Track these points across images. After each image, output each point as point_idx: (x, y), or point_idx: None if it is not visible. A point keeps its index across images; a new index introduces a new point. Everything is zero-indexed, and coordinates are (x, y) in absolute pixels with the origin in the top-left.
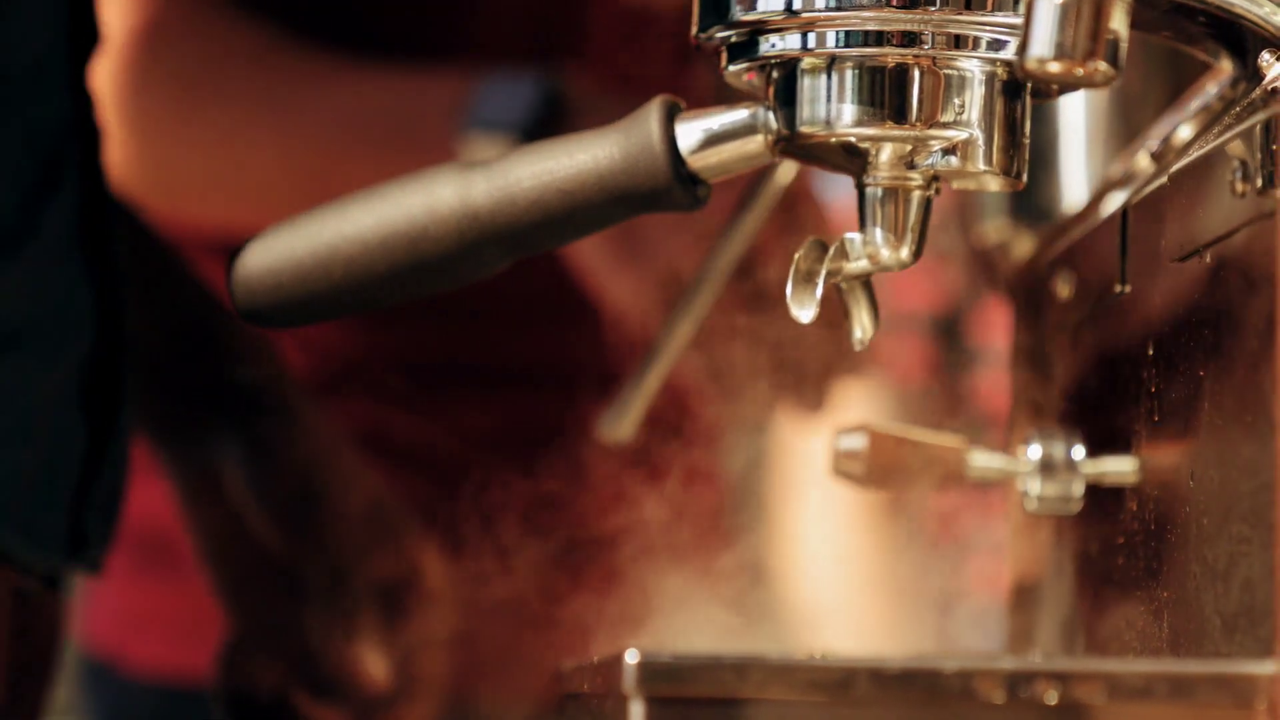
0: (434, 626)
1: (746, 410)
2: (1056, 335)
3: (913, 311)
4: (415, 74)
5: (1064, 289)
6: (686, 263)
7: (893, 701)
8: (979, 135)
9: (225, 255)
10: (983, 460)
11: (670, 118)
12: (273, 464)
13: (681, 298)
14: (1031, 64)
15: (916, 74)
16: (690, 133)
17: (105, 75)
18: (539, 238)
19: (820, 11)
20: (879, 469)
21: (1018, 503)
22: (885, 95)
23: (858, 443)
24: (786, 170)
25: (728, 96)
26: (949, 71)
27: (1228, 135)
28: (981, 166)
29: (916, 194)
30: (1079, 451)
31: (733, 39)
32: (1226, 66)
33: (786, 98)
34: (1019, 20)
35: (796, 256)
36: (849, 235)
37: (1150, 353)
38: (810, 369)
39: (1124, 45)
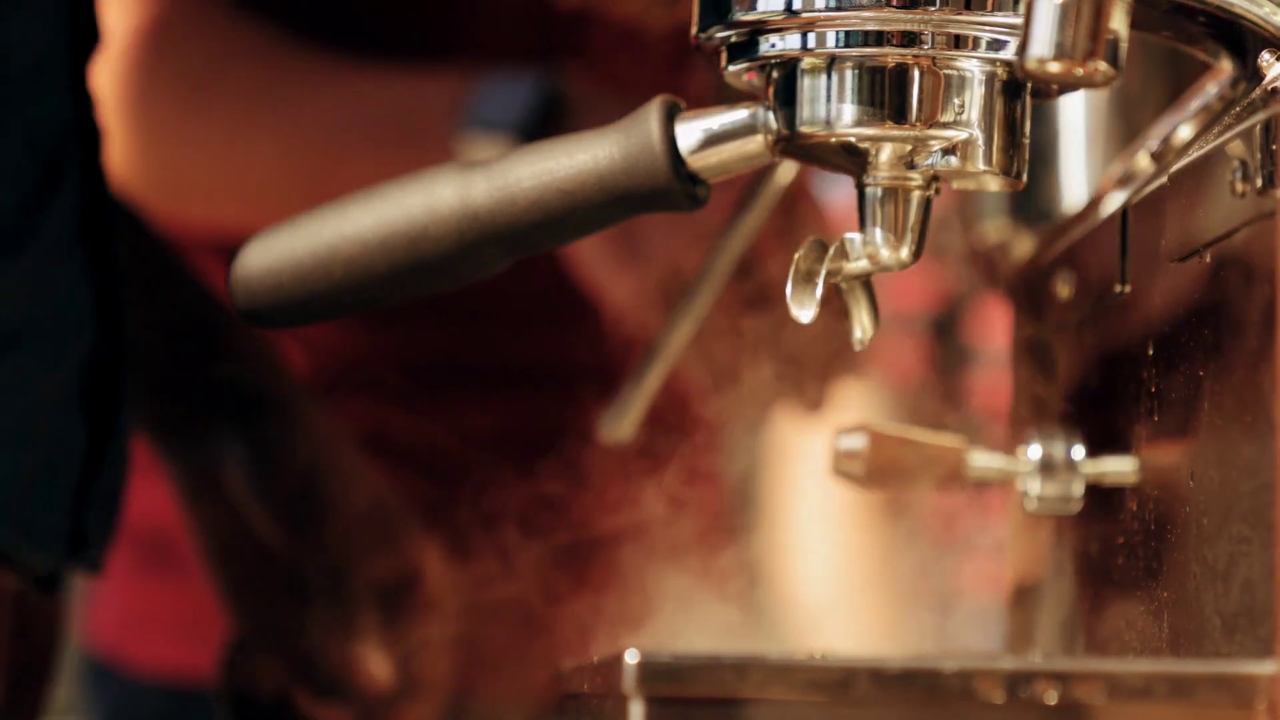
0: (435, 626)
1: (747, 410)
2: (1056, 335)
3: (908, 311)
4: (415, 74)
5: (1064, 289)
6: (686, 262)
7: (893, 701)
8: (979, 135)
9: (225, 255)
10: (983, 460)
11: (670, 118)
12: (273, 464)
13: (681, 298)
14: (1031, 64)
15: (916, 74)
16: (690, 133)
17: (107, 75)
18: (539, 238)
19: (820, 11)
20: (879, 469)
21: (1018, 503)
22: (885, 95)
23: (858, 443)
24: (786, 170)
25: (727, 97)
26: (949, 71)
27: (1228, 135)
28: (981, 166)
29: (916, 194)
30: (1079, 451)
31: (733, 39)
32: (1226, 66)
33: (786, 98)
34: (1019, 20)
35: (796, 256)
36: (849, 235)
37: (1150, 353)
38: (811, 368)
39: (1124, 45)
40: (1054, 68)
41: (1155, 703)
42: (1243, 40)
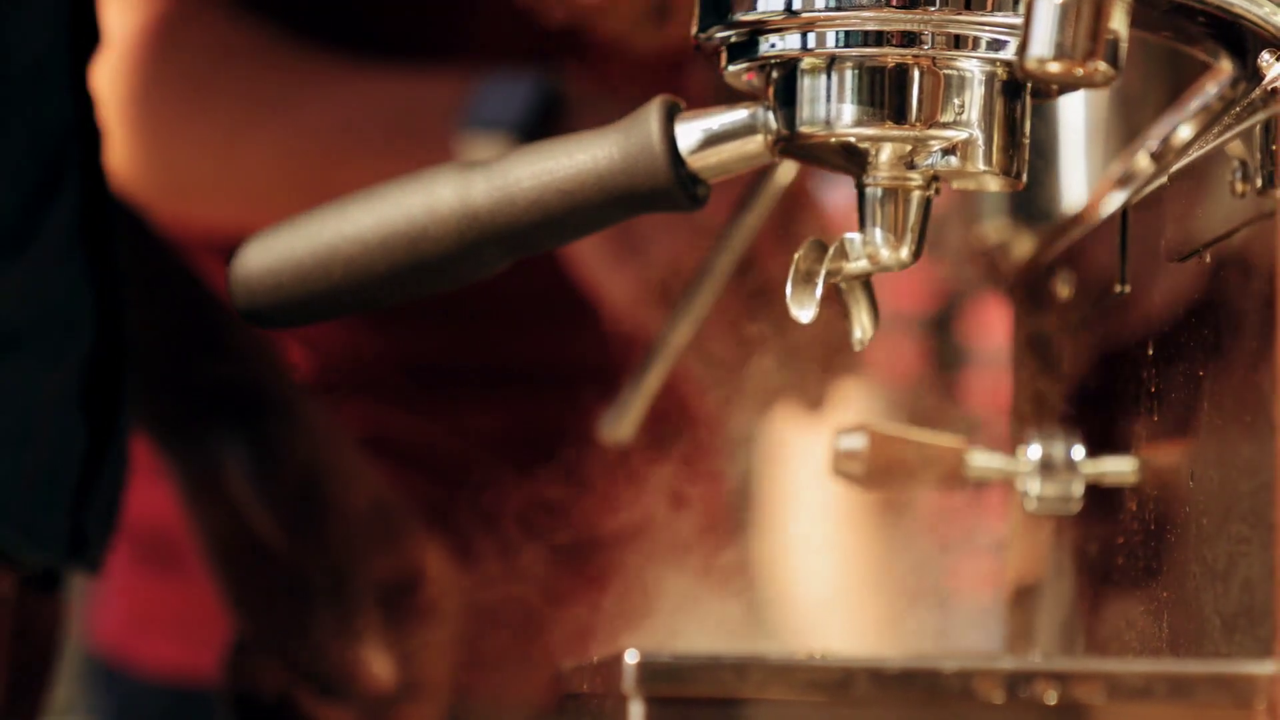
0: (437, 627)
1: (747, 410)
2: (1056, 335)
3: (903, 310)
4: (415, 74)
5: (1064, 289)
6: (683, 260)
7: (893, 701)
8: (979, 135)
9: (226, 255)
10: (982, 460)
11: (670, 118)
12: (274, 464)
13: (682, 298)
14: (1031, 64)
15: (916, 74)
16: (690, 133)
17: (109, 76)
18: (539, 238)
19: (820, 11)
20: (879, 469)
21: (1018, 503)
22: (885, 95)
23: (858, 443)
24: (786, 170)
25: (727, 97)
26: (949, 71)
27: (1228, 135)
28: (981, 166)
29: (916, 194)
30: (1079, 451)
31: (733, 39)
32: (1226, 66)
33: (786, 98)
34: (1019, 20)
35: (796, 256)
36: (849, 235)
37: (1150, 353)
38: (810, 368)
39: (1124, 45)
40: (1054, 68)
41: (1155, 703)
42: (1243, 40)
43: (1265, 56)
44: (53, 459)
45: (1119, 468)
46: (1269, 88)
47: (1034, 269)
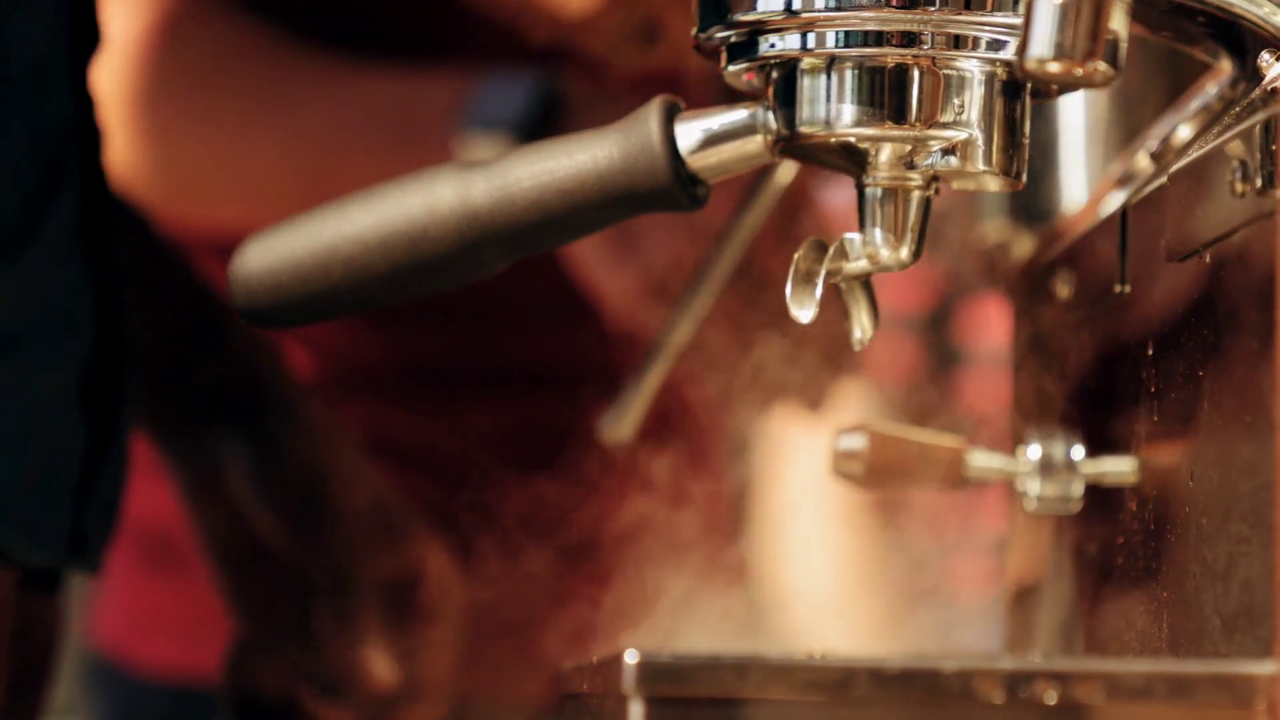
0: (439, 626)
1: (747, 410)
2: (1056, 335)
3: (897, 311)
4: (415, 74)
5: (1064, 289)
6: (683, 260)
7: (892, 701)
8: (978, 135)
9: (226, 255)
10: (982, 460)
11: (670, 118)
12: (275, 464)
13: (682, 297)
14: (1031, 64)
15: (916, 74)
16: (690, 133)
17: (113, 77)
18: (538, 238)
19: (820, 12)
20: (879, 469)
21: (1018, 503)
22: (885, 95)
23: (857, 443)
24: (786, 170)
25: (727, 98)
26: (948, 71)
27: (1227, 135)
28: (981, 166)
29: (916, 194)
30: (1078, 451)
31: (732, 39)
32: (1226, 66)
33: (786, 98)
34: (1019, 20)
35: (796, 256)
36: (849, 235)
37: (1150, 353)
38: (810, 368)
39: (1124, 45)
40: (1054, 68)
41: (1155, 703)
42: (1242, 40)
43: (1265, 56)
44: (53, 459)
45: (1119, 468)
46: (1269, 88)
47: (1034, 269)
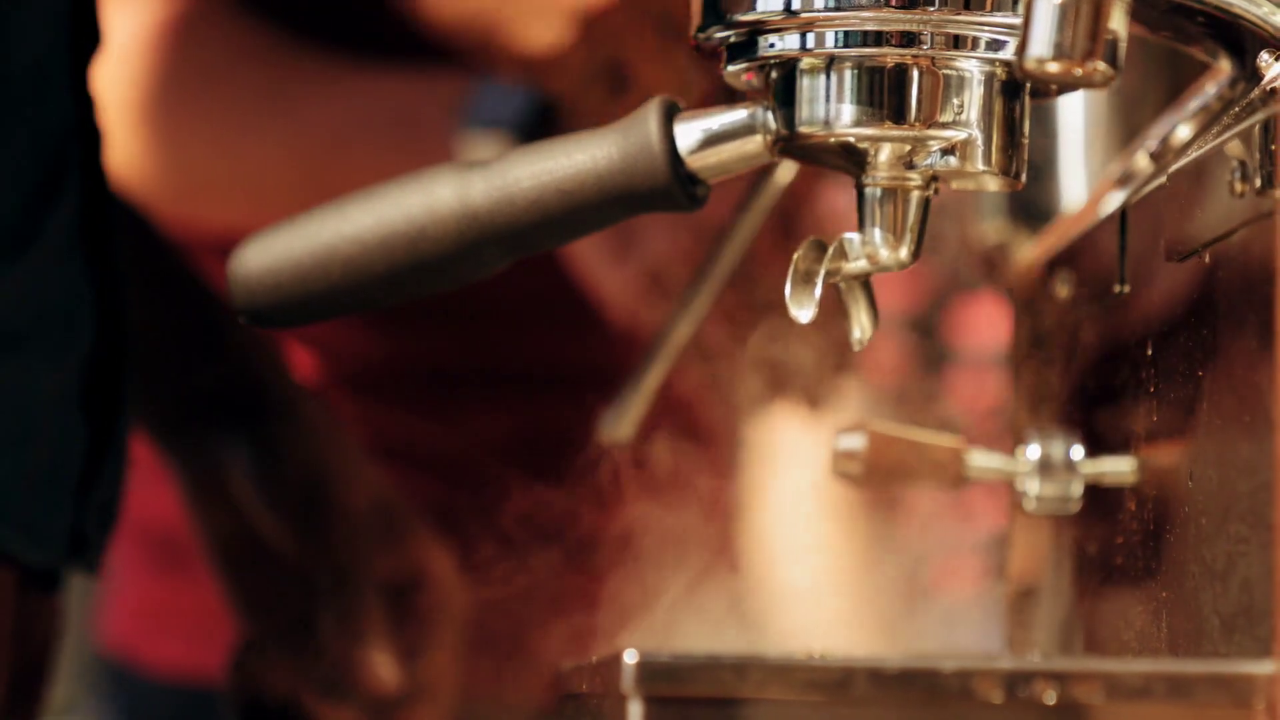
0: (441, 627)
1: (746, 410)
2: (1056, 335)
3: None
4: (414, 74)
5: (1064, 289)
6: (681, 259)
7: (892, 701)
8: (978, 135)
9: (226, 255)
10: (982, 460)
11: (669, 118)
12: (276, 464)
13: (681, 297)
14: (1030, 64)
15: (915, 74)
16: (689, 133)
17: (116, 79)
18: (538, 238)
19: (819, 11)
20: (878, 469)
21: (1017, 503)
22: (884, 95)
23: (857, 443)
24: (786, 170)
25: (726, 98)
26: (948, 71)
27: (1227, 135)
28: (980, 166)
29: (915, 194)
30: (1078, 451)
31: (732, 39)
32: (1225, 66)
33: (785, 98)
34: (1018, 20)
35: (796, 256)
36: (848, 235)
37: (1149, 352)
38: (808, 368)
39: (1123, 45)
40: (1053, 68)
41: (1154, 703)
42: (1242, 40)
43: (1264, 56)
44: (53, 459)
45: (1118, 468)
46: (1268, 88)
47: (1034, 269)
